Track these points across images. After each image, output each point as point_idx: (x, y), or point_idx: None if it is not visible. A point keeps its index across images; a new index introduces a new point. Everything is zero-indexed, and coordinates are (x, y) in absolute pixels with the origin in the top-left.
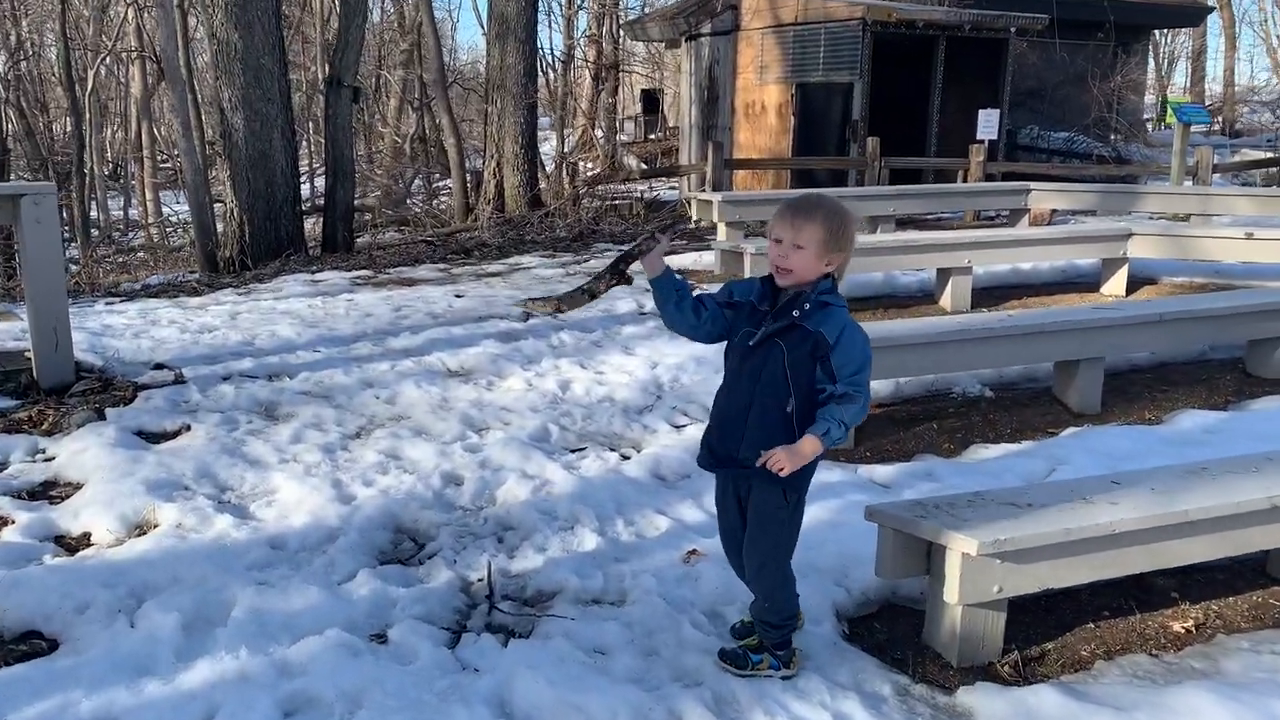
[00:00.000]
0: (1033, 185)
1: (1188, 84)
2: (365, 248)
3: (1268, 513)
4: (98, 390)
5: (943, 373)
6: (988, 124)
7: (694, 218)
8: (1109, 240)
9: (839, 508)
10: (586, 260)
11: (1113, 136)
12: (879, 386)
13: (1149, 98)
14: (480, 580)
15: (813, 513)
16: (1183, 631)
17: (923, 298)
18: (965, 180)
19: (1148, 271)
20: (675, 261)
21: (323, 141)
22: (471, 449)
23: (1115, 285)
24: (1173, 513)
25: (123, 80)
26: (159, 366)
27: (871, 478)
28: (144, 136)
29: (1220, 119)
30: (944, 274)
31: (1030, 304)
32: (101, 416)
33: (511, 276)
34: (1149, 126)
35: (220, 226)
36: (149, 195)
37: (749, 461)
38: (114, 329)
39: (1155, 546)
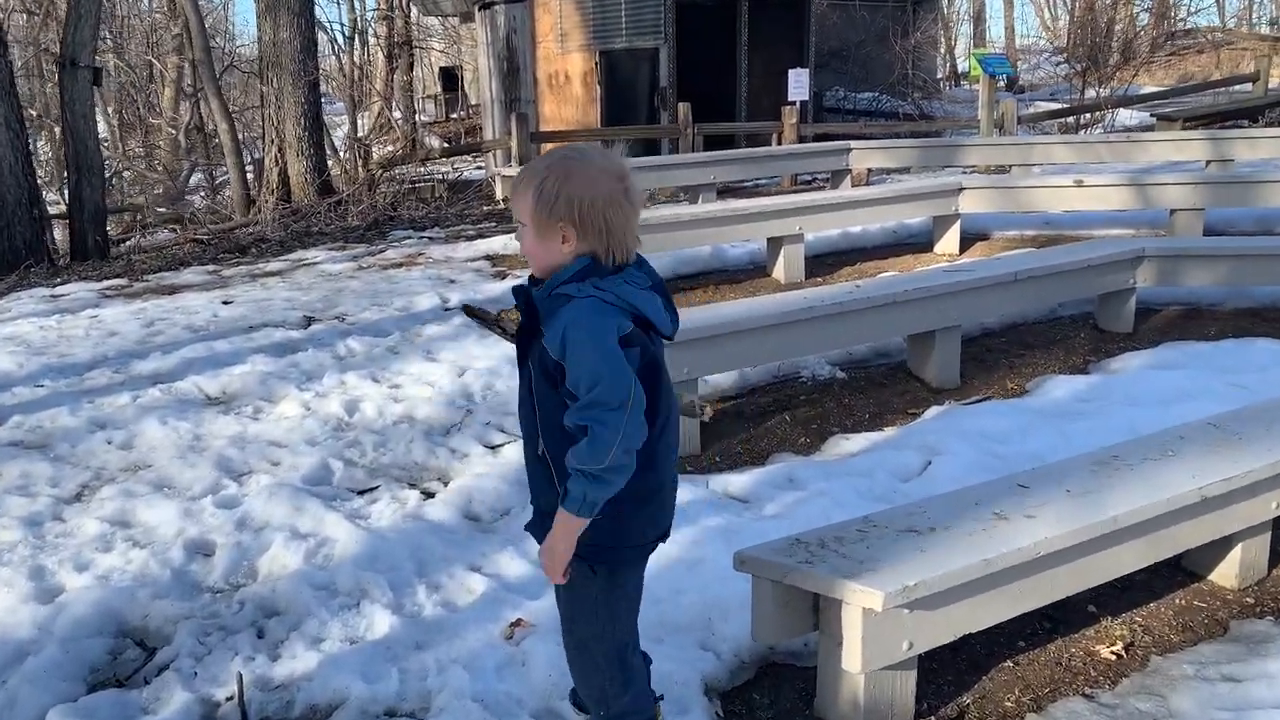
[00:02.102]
0: (853, 144)
1: (970, 43)
2: (126, 253)
3: (1196, 507)
4: None
5: (791, 357)
6: (798, 85)
7: (501, 196)
8: (940, 196)
9: (694, 539)
10: (382, 250)
11: (914, 95)
12: (721, 380)
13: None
14: (230, 699)
15: (663, 550)
16: (1113, 658)
17: (754, 270)
18: (779, 143)
19: (979, 226)
20: (484, 246)
21: (63, 133)
22: (227, 504)
23: (948, 243)
24: (1100, 521)
25: None
26: None
27: (726, 490)
28: None
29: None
30: (775, 243)
31: (866, 270)
32: None
33: (293, 275)
34: (942, 85)
35: None
36: None
37: (531, 531)
38: None
39: (1082, 563)
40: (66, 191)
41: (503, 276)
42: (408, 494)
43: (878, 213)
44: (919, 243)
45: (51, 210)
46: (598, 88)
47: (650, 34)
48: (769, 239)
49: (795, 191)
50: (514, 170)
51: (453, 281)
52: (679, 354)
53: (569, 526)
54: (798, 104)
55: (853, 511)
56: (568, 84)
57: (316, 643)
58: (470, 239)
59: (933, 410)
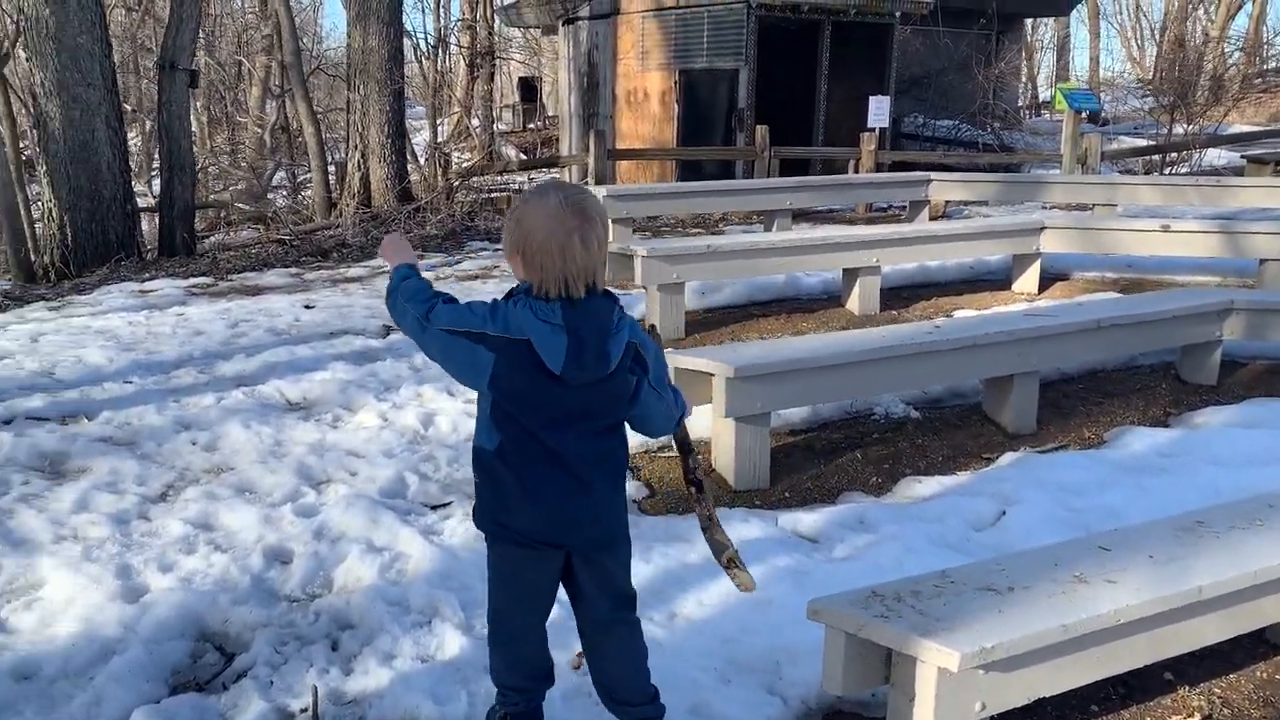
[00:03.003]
0: (933, 176)
1: (1053, 74)
2: (211, 250)
3: None
4: None
5: (866, 396)
6: (878, 111)
7: None
8: (1021, 235)
9: (763, 578)
10: (459, 261)
11: (994, 124)
12: (792, 413)
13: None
14: (304, 711)
15: (729, 585)
16: None
17: (828, 300)
18: (857, 170)
19: (1059, 266)
20: None
21: (158, 132)
22: (306, 512)
23: (1027, 282)
24: (1184, 591)
25: None
26: None
27: (795, 529)
28: None
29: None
30: (851, 274)
31: (942, 306)
32: None
33: (373, 282)
34: (1022, 114)
35: (39, 229)
36: None
37: None
38: None
39: (1162, 632)
40: (157, 186)
41: None
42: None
43: (956, 248)
44: (996, 280)
45: (139, 204)
46: (675, 106)
47: (731, 55)
48: (845, 270)
49: (870, 221)
50: (590, 187)
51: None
52: (752, 387)
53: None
54: (877, 131)
55: (924, 558)
56: (646, 101)
57: (389, 659)
58: None
59: (1008, 456)
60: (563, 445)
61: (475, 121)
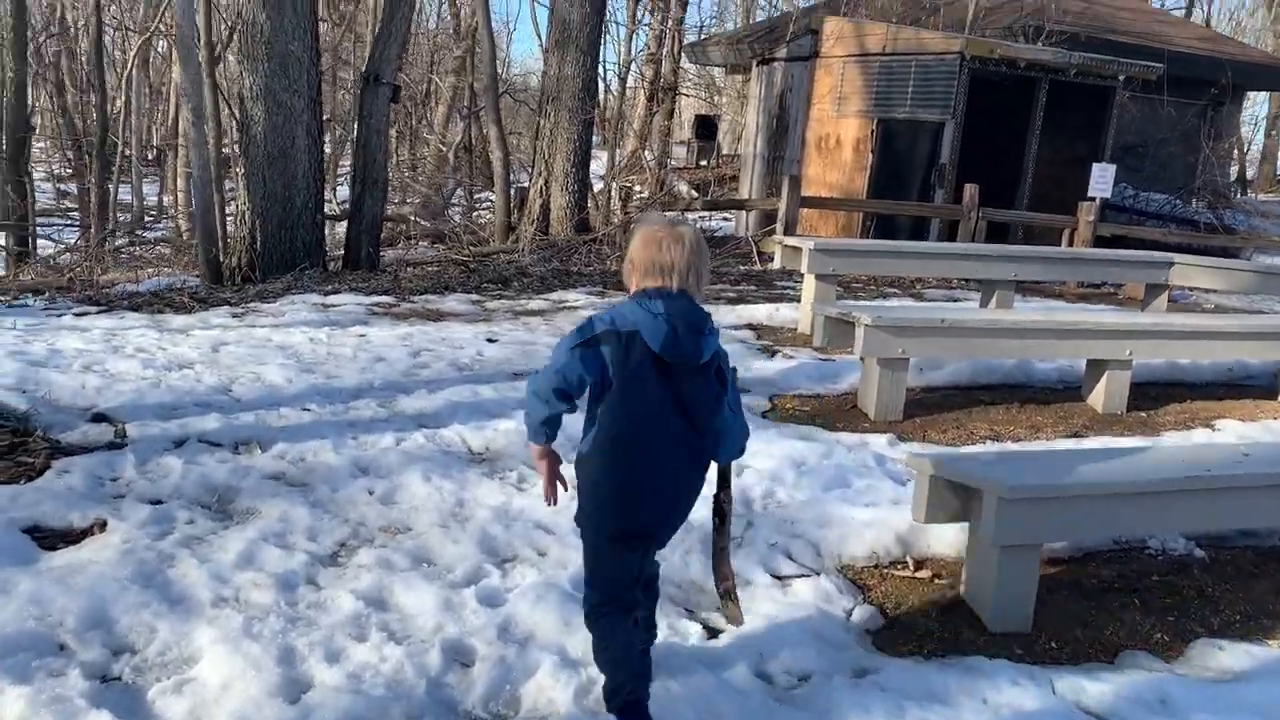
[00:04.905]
0: (1175, 258)
1: (1262, 150)
2: (393, 264)
3: None
4: (3, 451)
5: (1154, 533)
6: (1101, 180)
7: (778, 265)
8: None
9: None
10: None
11: (1212, 201)
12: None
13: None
14: None
15: None
16: None
17: (1064, 392)
18: (1070, 241)
19: None
20: (745, 313)
21: (354, 144)
22: (490, 598)
23: None
24: None
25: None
26: (99, 418)
27: (1079, 701)
28: (180, 122)
29: None
30: (1097, 366)
31: (1198, 413)
32: None
33: (554, 318)
34: (1232, 192)
35: (230, 230)
36: (180, 185)
37: None
38: (62, 355)
39: None
40: (340, 194)
41: (771, 353)
42: (687, 626)
43: (1220, 348)
44: (1257, 387)
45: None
46: (870, 155)
47: (938, 107)
48: (1089, 360)
49: (1083, 298)
50: (795, 240)
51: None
52: (1029, 511)
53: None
54: (1097, 201)
55: None
56: (838, 149)
57: None
58: (730, 301)
59: None
60: (645, 422)
61: (649, 154)
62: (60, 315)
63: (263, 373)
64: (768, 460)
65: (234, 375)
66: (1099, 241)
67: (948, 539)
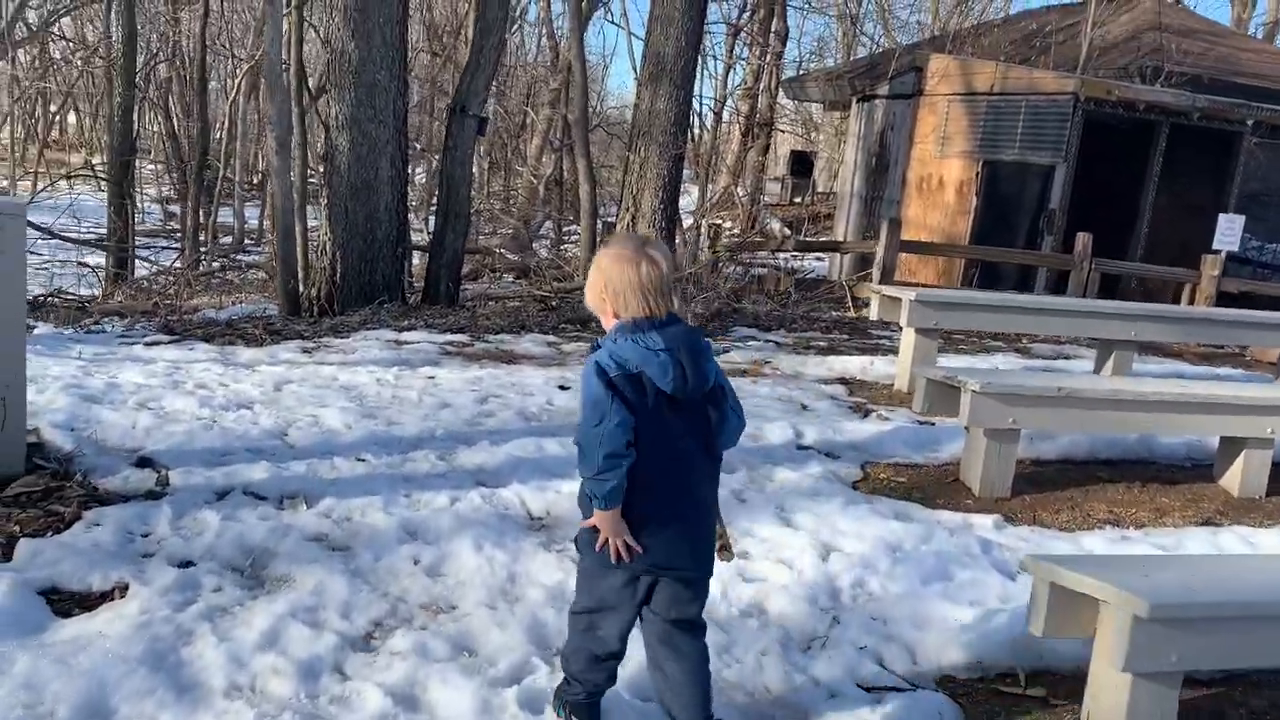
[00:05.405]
0: None
1: None
2: (474, 299)
3: None
4: (37, 498)
5: None
6: (1228, 231)
7: (875, 315)
8: None
9: None
10: (725, 350)
11: None
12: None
13: None
14: None
15: None
16: None
17: (1192, 471)
18: (1193, 297)
19: None
20: (837, 364)
21: (439, 175)
22: (533, 703)
23: None
24: None
25: None
26: (143, 462)
27: None
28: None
29: None
30: (1232, 445)
31: None
32: (6, 555)
33: None
34: None
35: (311, 260)
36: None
37: None
38: (119, 390)
39: None
40: (431, 228)
41: (864, 413)
42: None
43: None
44: None
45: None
46: (974, 198)
47: (1049, 149)
48: (1224, 437)
49: (1205, 358)
50: (894, 290)
51: (805, 408)
52: (1170, 634)
53: (598, 517)
54: (1223, 254)
55: None
56: (940, 190)
57: None
58: (821, 351)
59: None
60: (679, 457)
61: (742, 190)
62: (132, 344)
63: (322, 416)
64: (859, 543)
65: (292, 418)
66: (1223, 297)
67: (1062, 650)
